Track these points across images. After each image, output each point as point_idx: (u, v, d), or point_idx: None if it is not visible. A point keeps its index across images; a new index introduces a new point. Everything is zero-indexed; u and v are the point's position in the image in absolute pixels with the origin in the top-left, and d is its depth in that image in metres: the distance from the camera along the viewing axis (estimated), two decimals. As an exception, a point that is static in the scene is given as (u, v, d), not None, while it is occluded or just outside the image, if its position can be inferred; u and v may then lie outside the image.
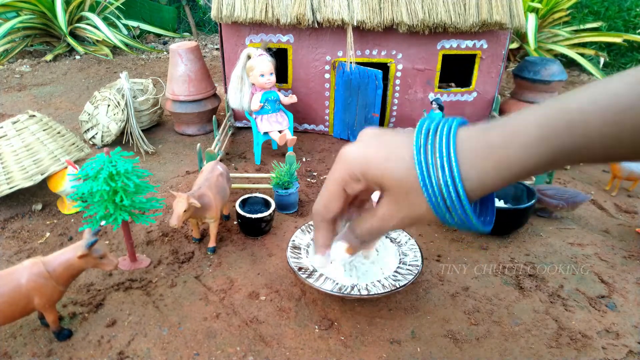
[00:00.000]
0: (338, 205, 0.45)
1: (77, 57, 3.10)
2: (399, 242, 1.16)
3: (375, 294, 0.98)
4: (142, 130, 1.85)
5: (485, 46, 1.79)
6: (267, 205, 1.30)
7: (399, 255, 1.12)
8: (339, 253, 0.48)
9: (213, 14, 1.67)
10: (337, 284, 1.01)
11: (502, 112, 1.97)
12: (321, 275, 1.03)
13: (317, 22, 1.66)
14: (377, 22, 1.65)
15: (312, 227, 1.21)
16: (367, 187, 0.43)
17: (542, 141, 0.35)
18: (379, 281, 1.03)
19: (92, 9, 3.29)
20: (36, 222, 1.35)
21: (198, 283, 1.11)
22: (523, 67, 1.90)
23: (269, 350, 0.94)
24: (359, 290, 0.99)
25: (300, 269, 1.04)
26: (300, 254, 1.11)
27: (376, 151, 0.41)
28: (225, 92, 1.82)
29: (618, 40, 2.86)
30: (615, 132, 0.33)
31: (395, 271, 1.06)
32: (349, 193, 0.44)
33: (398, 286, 1.00)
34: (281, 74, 1.81)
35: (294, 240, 1.14)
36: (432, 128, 0.39)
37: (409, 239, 1.16)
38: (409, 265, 1.08)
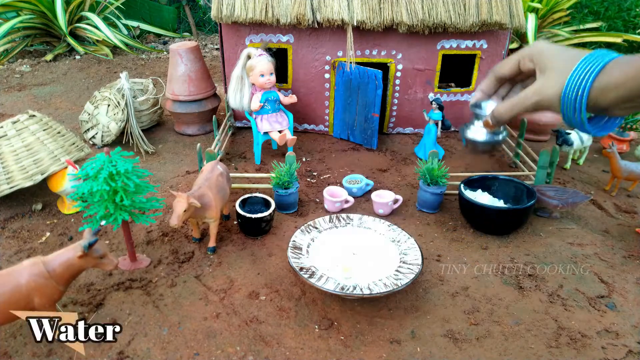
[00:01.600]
0: (508, 70, 0.59)
1: (77, 57, 3.10)
2: (398, 241, 1.16)
3: (377, 293, 0.98)
4: (142, 130, 1.85)
5: (485, 46, 1.79)
6: (267, 205, 1.30)
7: (399, 254, 1.12)
8: (489, 107, 0.61)
9: (213, 14, 1.67)
10: (338, 283, 1.01)
11: (502, 112, 1.97)
12: (322, 275, 1.03)
13: (317, 22, 1.66)
14: (377, 22, 1.65)
15: (311, 228, 1.21)
16: (532, 69, 0.55)
17: None
18: (380, 280, 1.03)
19: (92, 9, 3.29)
20: (36, 222, 1.35)
21: (198, 283, 1.11)
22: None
23: (269, 350, 0.94)
24: (361, 289, 0.99)
25: (301, 269, 1.04)
26: (301, 254, 1.11)
27: (553, 48, 0.54)
28: (225, 92, 1.82)
29: (618, 40, 2.86)
30: None
31: (397, 270, 1.06)
32: (519, 66, 0.57)
33: (400, 285, 1.00)
34: (281, 74, 1.81)
35: (294, 241, 1.14)
36: (604, 51, 0.50)
37: (409, 238, 1.16)
38: (409, 264, 1.08)
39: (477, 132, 0.65)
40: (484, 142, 0.65)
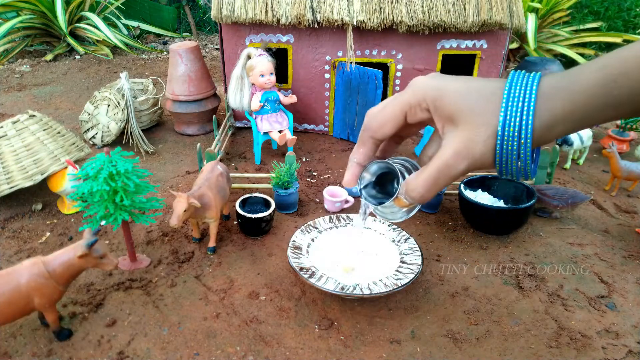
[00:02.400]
0: (392, 128, 0.45)
1: (77, 57, 3.10)
2: (398, 241, 1.16)
3: (377, 293, 0.98)
4: (142, 130, 1.85)
5: (485, 46, 1.79)
6: (267, 205, 1.30)
7: (399, 254, 1.12)
8: (397, 203, 0.47)
9: (213, 14, 1.67)
10: (339, 283, 1.01)
11: (502, 112, 1.97)
12: (322, 275, 1.03)
13: (317, 22, 1.66)
14: (377, 22, 1.65)
15: (311, 228, 1.21)
16: (426, 120, 0.43)
17: (602, 81, 0.37)
18: (380, 280, 1.03)
19: (92, 9, 3.29)
20: (36, 222, 1.35)
21: (198, 283, 1.11)
22: (523, 67, 1.90)
23: (269, 350, 0.94)
24: (361, 289, 0.99)
25: (301, 269, 1.04)
26: (301, 254, 1.11)
27: (454, 84, 0.41)
28: (225, 92, 1.82)
29: (618, 40, 2.86)
30: None
31: (397, 270, 1.06)
32: (408, 120, 0.44)
33: (400, 285, 1.00)
34: (281, 74, 1.81)
35: (294, 241, 1.14)
36: (522, 74, 0.40)
37: (408, 237, 1.16)
38: (409, 264, 1.08)
39: (393, 213, 0.50)
40: (406, 216, 0.50)
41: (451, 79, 0.42)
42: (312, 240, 1.17)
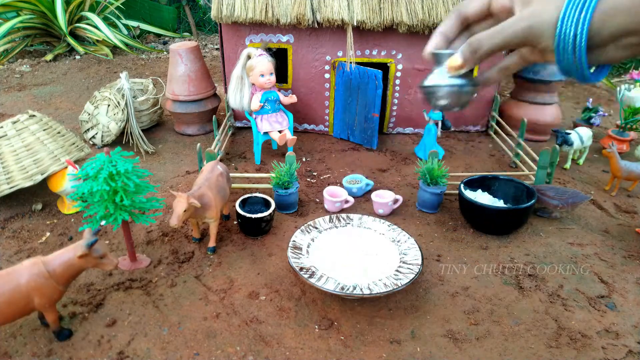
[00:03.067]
0: (477, 8, 0.47)
1: (77, 57, 3.10)
2: (399, 241, 1.16)
3: (377, 293, 0.98)
4: (142, 130, 1.85)
5: (485, 46, 1.78)
6: (267, 205, 1.30)
7: (399, 254, 1.12)
8: (451, 60, 0.47)
9: (213, 14, 1.67)
10: (338, 283, 1.01)
11: (502, 112, 1.97)
12: (322, 275, 1.03)
13: (317, 22, 1.66)
14: (377, 22, 1.65)
15: (311, 228, 1.21)
16: (505, 11, 0.44)
17: None
18: (380, 280, 1.03)
19: (92, 9, 3.29)
20: (36, 222, 1.35)
21: (198, 283, 1.11)
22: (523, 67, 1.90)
23: (269, 350, 0.94)
24: (361, 289, 0.99)
25: (301, 269, 1.04)
26: (301, 254, 1.11)
27: None
28: (225, 92, 1.82)
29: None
30: None
31: (397, 270, 1.06)
32: (491, 7, 0.46)
33: (400, 285, 1.00)
34: (281, 74, 1.80)
35: (294, 241, 1.14)
36: None
37: (409, 238, 1.16)
38: (409, 264, 1.08)
39: (439, 77, 0.50)
40: (450, 88, 0.49)
41: None
42: (312, 240, 1.17)
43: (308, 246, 1.14)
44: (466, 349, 0.95)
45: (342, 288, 0.99)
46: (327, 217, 1.24)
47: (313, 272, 1.04)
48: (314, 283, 1.00)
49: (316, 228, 1.21)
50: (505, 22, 0.43)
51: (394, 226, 1.21)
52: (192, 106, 1.90)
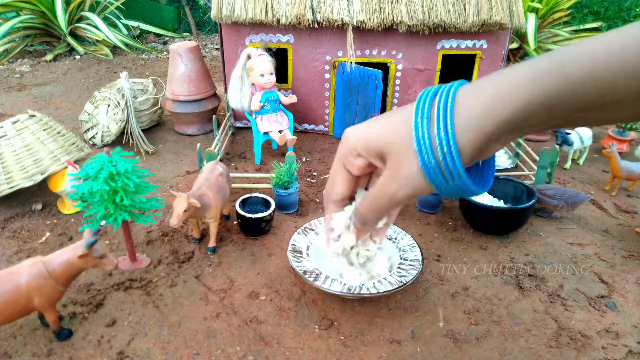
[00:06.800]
0: (342, 185, 0.45)
1: (77, 57, 3.10)
2: (397, 239, 1.16)
3: (385, 291, 0.98)
4: (142, 130, 1.85)
5: (485, 46, 1.79)
6: (267, 205, 1.30)
7: (399, 251, 1.12)
8: (347, 240, 0.48)
9: (213, 14, 1.67)
10: (344, 285, 1.00)
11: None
12: (327, 277, 1.02)
13: (317, 22, 1.66)
14: (377, 22, 1.65)
15: (308, 230, 1.20)
16: (369, 164, 0.42)
17: (533, 82, 0.33)
18: (384, 278, 1.02)
19: (92, 9, 3.29)
20: (36, 222, 1.35)
21: (198, 283, 1.11)
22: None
23: (269, 350, 0.94)
24: (367, 289, 0.99)
25: (305, 272, 1.03)
26: (301, 257, 1.10)
27: (376, 124, 0.41)
28: (225, 92, 1.82)
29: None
30: (609, 70, 0.30)
31: (399, 267, 1.06)
32: (352, 172, 0.43)
33: (405, 282, 1.00)
34: (281, 74, 1.81)
35: (293, 245, 1.13)
36: (434, 90, 0.38)
37: (406, 235, 1.16)
38: (410, 261, 1.08)
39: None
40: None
41: (374, 120, 0.41)
42: (311, 242, 1.15)
43: (307, 248, 1.13)
44: (466, 349, 0.95)
45: (349, 289, 0.99)
46: (322, 219, 1.24)
47: (317, 274, 1.03)
48: (319, 285, 0.99)
49: (312, 230, 1.20)
50: (375, 189, 0.41)
51: (393, 226, 1.21)
52: (192, 106, 1.90)
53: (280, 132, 1.66)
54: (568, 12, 3.03)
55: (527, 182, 1.39)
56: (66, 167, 1.34)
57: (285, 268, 1.17)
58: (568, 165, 1.71)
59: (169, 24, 3.92)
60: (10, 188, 1.31)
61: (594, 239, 1.31)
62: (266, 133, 1.67)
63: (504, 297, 1.09)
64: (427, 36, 1.74)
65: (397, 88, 1.86)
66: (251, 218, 1.23)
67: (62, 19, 3.00)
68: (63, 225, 1.33)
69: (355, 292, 0.98)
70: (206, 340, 0.96)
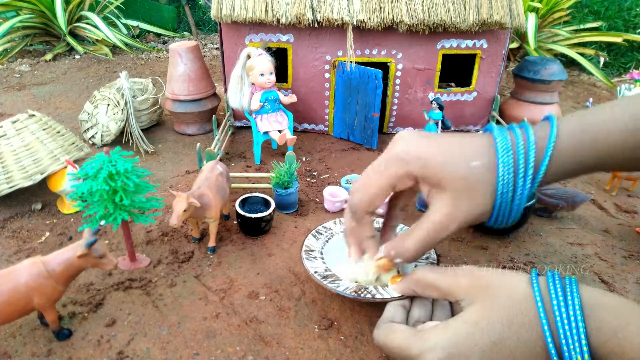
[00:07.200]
0: (381, 198, 0.47)
1: (77, 56, 3.10)
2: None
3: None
4: (142, 130, 1.85)
5: (485, 46, 1.78)
6: (267, 204, 1.30)
7: None
8: (369, 271, 0.47)
9: (213, 13, 1.67)
10: (364, 288, 0.95)
11: (502, 111, 1.97)
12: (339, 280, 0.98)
13: (317, 21, 1.66)
14: (377, 21, 1.65)
15: (320, 233, 1.19)
16: (414, 186, 0.44)
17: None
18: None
19: (91, 9, 3.29)
20: (36, 221, 1.35)
21: (198, 283, 1.11)
22: (523, 67, 1.90)
23: (269, 350, 0.94)
24: (381, 294, 0.94)
25: (324, 277, 0.98)
26: (315, 260, 1.05)
27: (434, 150, 0.41)
28: (225, 91, 1.82)
29: (618, 40, 2.86)
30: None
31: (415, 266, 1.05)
32: (396, 188, 0.45)
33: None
34: (281, 74, 1.80)
35: (307, 246, 1.09)
36: (502, 135, 0.40)
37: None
38: (424, 260, 1.05)
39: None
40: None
41: (431, 143, 0.42)
42: (324, 245, 1.12)
43: (321, 253, 1.09)
44: (466, 349, 0.95)
45: (373, 295, 0.92)
46: (330, 222, 1.20)
47: (335, 279, 0.98)
48: (341, 292, 0.92)
49: (321, 233, 1.16)
50: (429, 226, 0.42)
51: (401, 225, 1.19)
52: (191, 106, 1.90)
53: (280, 131, 1.66)
54: (568, 11, 3.03)
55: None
56: (66, 167, 1.34)
57: (285, 268, 1.16)
58: (568, 165, 1.71)
59: (168, 24, 3.92)
60: (10, 188, 1.31)
61: (594, 239, 1.31)
62: (266, 133, 1.67)
63: (504, 297, 1.09)
64: (427, 36, 1.74)
65: (397, 88, 1.86)
66: (251, 218, 1.23)
67: (61, 18, 3.00)
68: (63, 225, 1.33)
69: (368, 297, 0.92)
70: (206, 340, 0.95)
